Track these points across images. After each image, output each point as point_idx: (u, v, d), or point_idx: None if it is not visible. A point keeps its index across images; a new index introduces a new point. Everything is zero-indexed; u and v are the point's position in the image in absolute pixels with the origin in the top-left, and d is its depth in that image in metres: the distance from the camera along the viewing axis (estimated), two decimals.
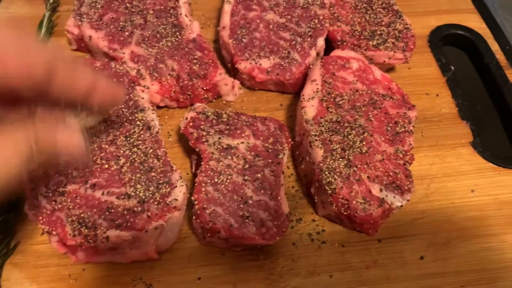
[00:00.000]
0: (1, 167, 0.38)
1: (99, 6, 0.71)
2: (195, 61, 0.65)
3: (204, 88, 0.65)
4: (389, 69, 0.73)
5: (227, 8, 0.70)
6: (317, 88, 0.62)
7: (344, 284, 0.55)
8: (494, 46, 0.79)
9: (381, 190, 0.55)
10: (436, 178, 0.64)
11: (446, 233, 0.60)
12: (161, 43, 0.66)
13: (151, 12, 0.70)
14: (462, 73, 0.76)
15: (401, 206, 0.55)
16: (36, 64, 0.39)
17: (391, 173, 0.56)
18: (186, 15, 0.69)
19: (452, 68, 0.75)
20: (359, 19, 0.70)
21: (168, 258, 0.55)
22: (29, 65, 0.38)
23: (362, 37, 0.68)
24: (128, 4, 0.71)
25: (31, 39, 0.41)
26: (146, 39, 0.67)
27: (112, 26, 0.68)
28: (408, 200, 0.55)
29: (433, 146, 0.66)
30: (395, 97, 0.64)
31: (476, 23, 0.81)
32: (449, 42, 0.80)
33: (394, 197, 0.55)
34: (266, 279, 0.55)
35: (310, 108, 0.60)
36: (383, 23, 0.70)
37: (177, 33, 0.67)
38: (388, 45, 0.68)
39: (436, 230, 0.59)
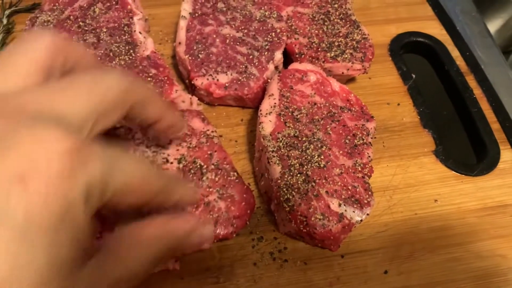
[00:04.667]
0: None
1: (51, 25, 0.69)
2: (149, 79, 0.63)
3: None
4: (350, 79, 0.73)
5: (182, 23, 0.69)
6: (275, 103, 0.61)
7: None
8: (455, 53, 0.79)
9: (340, 205, 0.54)
10: (399, 189, 0.63)
11: (409, 245, 0.59)
12: (114, 62, 0.64)
13: (104, 30, 0.68)
14: (424, 80, 0.76)
15: (361, 220, 0.54)
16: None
17: (349, 187, 0.55)
18: (140, 32, 0.68)
19: (413, 76, 0.74)
20: (316, 31, 0.70)
21: None
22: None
23: (320, 49, 0.68)
24: (81, 23, 0.69)
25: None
26: (99, 58, 0.65)
27: None
28: (368, 214, 0.54)
29: (395, 156, 0.66)
30: (353, 108, 0.63)
31: (436, 30, 0.82)
32: (410, 50, 0.80)
33: (354, 211, 0.54)
34: None
35: (267, 123, 0.59)
36: (341, 34, 0.69)
37: (131, 51, 0.66)
38: (346, 56, 0.67)
39: (400, 243, 0.59)
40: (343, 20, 0.71)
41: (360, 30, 0.70)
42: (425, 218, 0.61)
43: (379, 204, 0.61)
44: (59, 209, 0.27)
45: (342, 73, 0.68)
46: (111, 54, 0.65)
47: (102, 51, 0.66)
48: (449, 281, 0.57)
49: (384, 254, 0.57)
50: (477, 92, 0.74)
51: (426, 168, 0.65)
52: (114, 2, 0.71)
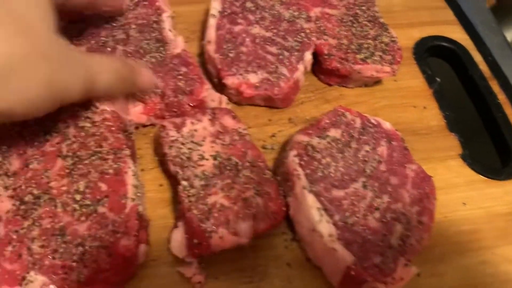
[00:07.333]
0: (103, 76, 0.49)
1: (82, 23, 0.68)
2: (180, 77, 0.63)
3: (191, 104, 0.63)
4: (376, 82, 0.73)
5: (212, 22, 0.68)
6: None
7: None
8: (477, 57, 0.79)
9: None
10: None
11: (440, 247, 0.59)
12: (144, 59, 0.64)
13: (134, 26, 0.67)
14: (447, 84, 0.77)
15: None
16: None
17: None
18: (170, 30, 0.67)
19: (438, 80, 0.75)
20: (345, 32, 0.70)
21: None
22: None
23: (349, 50, 0.68)
24: (108, 18, 0.68)
25: None
26: (129, 55, 0.64)
27: (93, 41, 0.65)
28: None
29: (423, 159, 0.66)
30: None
31: (459, 34, 0.82)
32: (433, 54, 0.80)
33: None
34: None
35: None
36: (370, 36, 0.70)
37: (161, 48, 0.65)
38: (375, 58, 0.67)
39: (431, 246, 0.59)
40: (372, 23, 0.71)
41: (388, 32, 0.70)
42: (455, 221, 0.61)
43: None
44: None
45: (372, 75, 0.68)
46: (141, 51, 0.65)
47: (132, 48, 0.65)
48: (478, 284, 0.57)
49: (417, 257, 0.57)
50: (501, 97, 0.74)
51: (454, 171, 0.66)
52: None
